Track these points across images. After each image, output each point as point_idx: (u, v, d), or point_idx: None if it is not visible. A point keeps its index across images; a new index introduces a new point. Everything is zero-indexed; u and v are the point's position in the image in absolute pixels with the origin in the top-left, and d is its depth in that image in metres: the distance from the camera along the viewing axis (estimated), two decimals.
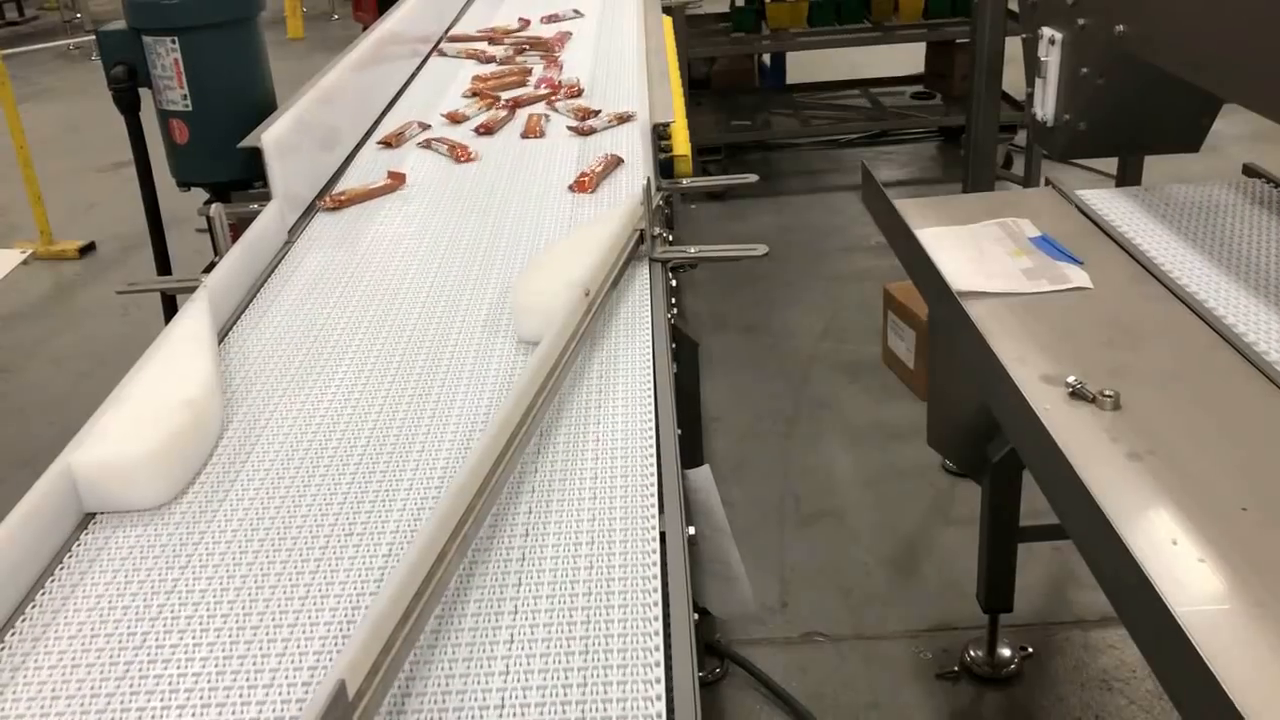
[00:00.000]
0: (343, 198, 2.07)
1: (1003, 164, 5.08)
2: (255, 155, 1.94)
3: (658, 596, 1.05)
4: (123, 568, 1.14)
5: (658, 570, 1.09)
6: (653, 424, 1.31)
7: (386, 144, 2.41)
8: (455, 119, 2.54)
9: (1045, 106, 2.19)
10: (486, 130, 2.44)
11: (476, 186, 2.14)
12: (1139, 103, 2.08)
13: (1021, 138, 5.05)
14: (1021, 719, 2.32)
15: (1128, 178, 2.91)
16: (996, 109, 3.58)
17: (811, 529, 2.96)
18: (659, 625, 1.02)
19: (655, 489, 1.20)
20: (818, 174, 5.57)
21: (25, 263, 2.61)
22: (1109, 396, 1.46)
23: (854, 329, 3.94)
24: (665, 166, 2.17)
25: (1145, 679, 2.33)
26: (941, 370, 2.31)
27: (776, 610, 2.65)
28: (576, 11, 3.59)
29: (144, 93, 2.85)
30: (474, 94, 2.71)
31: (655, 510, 1.17)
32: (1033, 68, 2.20)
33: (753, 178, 2.23)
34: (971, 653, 2.44)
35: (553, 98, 2.63)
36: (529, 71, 2.89)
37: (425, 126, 2.51)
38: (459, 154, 2.29)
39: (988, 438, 2.19)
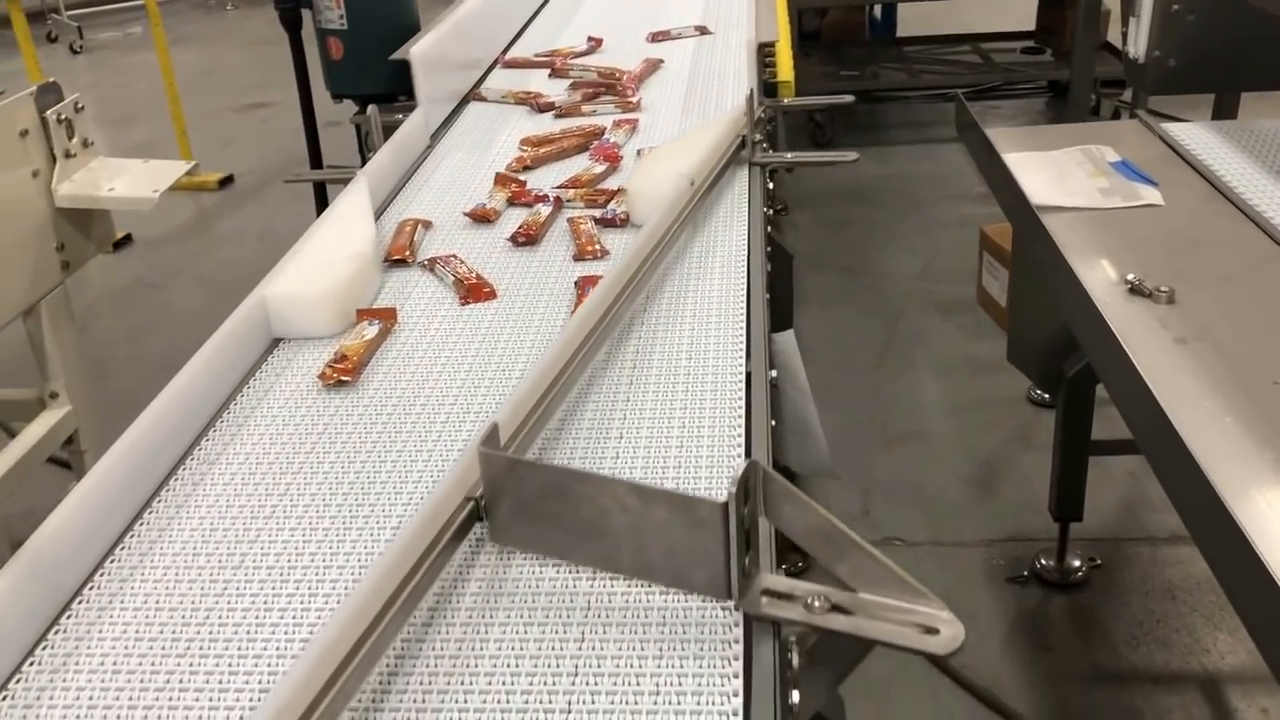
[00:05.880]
0: (347, 365, 1.38)
1: (1110, 118, 5.08)
2: (402, 70, 2.17)
3: (742, 420, 1.24)
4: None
5: (743, 402, 1.28)
6: (744, 290, 1.50)
7: (400, 260, 1.66)
8: (482, 217, 1.80)
9: (1138, 44, 2.30)
10: (527, 239, 1.70)
11: (484, 344, 1.45)
12: (1232, 39, 2.17)
13: (1129, 96, 5.04)
14: (1085, 621, 2.46)
15: (1223, 117, 2.96)
16: (1093, 54, 3.65)
17: (896, 450, 3.12)
18: (741, 438, 1.21)
19: (744, 340, 1.39)
20: (924, 126, 5.64)
21: (189, 174, 2.91)
22: (1164, 292, 1.60)
23: (951, 271, 4.06)
24: (769, 89, 2.34)
25: (1209, 590, 2.44)
26: (1022, 287, 2.44)
27: (858, 518, 2.82)
28: (701, 29, 2.76)
29: (304, 14, 3.22)
30: (523, 167, 1.98)
31: (744, 356, 1.36)
32: (1128, 6, 2.31)
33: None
34: (1042, 561, 2.58)
35: (604, 204, 1.79)
36: (598, 133, 2.09)
37: (427, 225, 1.78)
38: (468, 292, 1.56)
39: (1064, 354, 2.33)
